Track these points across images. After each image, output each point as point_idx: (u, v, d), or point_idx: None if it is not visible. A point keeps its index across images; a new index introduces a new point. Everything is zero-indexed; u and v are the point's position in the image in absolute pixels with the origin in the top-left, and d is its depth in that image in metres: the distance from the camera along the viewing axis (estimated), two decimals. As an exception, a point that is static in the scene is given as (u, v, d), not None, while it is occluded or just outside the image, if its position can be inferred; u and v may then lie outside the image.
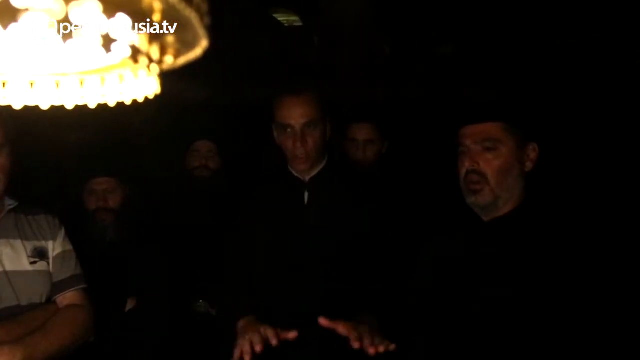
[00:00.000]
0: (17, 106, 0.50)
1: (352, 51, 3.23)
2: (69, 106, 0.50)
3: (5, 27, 0.39)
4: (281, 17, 3.61)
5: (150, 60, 0.38)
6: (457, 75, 2.53)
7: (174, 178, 2.18)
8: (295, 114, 1.56)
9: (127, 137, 2.19)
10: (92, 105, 0.49)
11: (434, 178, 2.02)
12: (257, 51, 2.94)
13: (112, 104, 0.48)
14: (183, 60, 0.41)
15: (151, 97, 0.45)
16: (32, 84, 0.52)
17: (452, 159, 1.37)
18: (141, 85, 0.45)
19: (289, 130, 1.58)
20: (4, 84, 0.52)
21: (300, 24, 3.64)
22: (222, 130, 2.26)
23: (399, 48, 3.38)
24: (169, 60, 0.40)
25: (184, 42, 0.39)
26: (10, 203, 1.38)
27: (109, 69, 0.49)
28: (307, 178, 1.65)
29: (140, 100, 0.46)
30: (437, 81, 2.79)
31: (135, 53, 0.37)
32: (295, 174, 1.66)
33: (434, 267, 1.39)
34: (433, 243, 1.44)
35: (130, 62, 0.47)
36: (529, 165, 1.30)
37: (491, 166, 1.26)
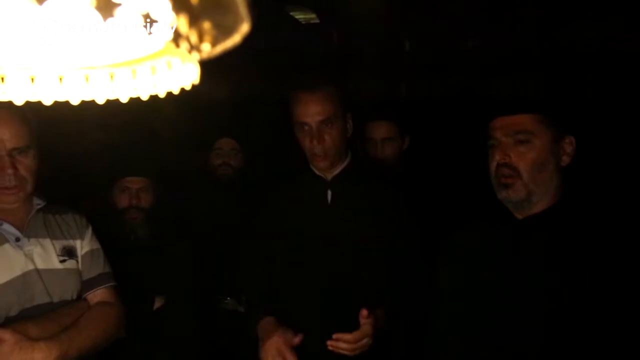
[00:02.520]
0: (47, 102, 0.48)
1: (371, 47, 3.20)
2: (100, 101, 0.47)
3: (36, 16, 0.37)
4: (298, 15, 3.60)
5: (191, 46, 0.35)
6: (484, 68, 2.47)
7: (197, 176, 2.19)
8: (311, 111, 1.53)
9: (150, 137, 2.20)
10: (124, 99, 0.47)
11: (462, 174, 1.98)
12: (276, 48, 2.92)
13: (144, 97, 0.46)
14: (221, 48, 0.39)
15: (188, 87, 0.42)
16: (61, 79, 0.50)
17: (480, 153, 1.33)
18: (175, 76, 0.42)
19: (305, 127, 1.55)
20: (32, 79, 0.50)
21: (317, 21, 3.62)
22: (244, 128, 2.25)
23: (419, 43, 3.32)
24: (206, 48, 0.38)
25: (223, 27, 0.36)
26: (38, 203, 1.39)
27: (140, 60, 0.46)
28: (330, 177, 1.63)
29: (176, 92, 0.43)
30: (461, 75, 2.73)
31: (176, 37, 0.34)
32: (317, 173, 1.64)
33: (464, 266, 1.35)
34: (463, 241, 1.40)
35: (164, 52, 0.44)
36: (565, 160, 1.24)
37: (524, 160, 1.21)
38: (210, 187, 2.16)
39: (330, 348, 1.43)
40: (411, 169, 2.13)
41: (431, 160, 2.27)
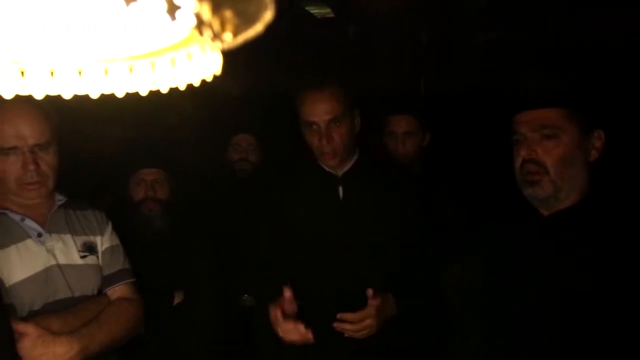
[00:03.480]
0: (67, 96, 0.48)
1: (388, 41, 3.16)
2: (119, 94, 0.46)
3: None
4: (313, 10, 3.58)
5: (213, 34, 0.34)
6: (505, 61, 2.41)
7: (215, 172, 2.19)
8: (319, 111, 1.52)
9: (168, 132, 2.21)
10: (144, 93, 0.46)
11: (483, 169, 1.94)
12: (292, 43, 2.91)
13: (164, 90, 0.45)
14: (243, 37, 0.37)
15: (209, 79, 0.41)
16: (80, 72, 0.49)
17: (503, 148, 1.30)
18: (196, 67, 0.41)
19: (314, 127, 1.54)
20: (51, 72, 0.49)
21: (332, 15, 3.60)
22: (262, 124, 2.25)
23: (437, 36, 3.27)
24: (228, 38, 0.36)
25: (245, 16, 0.34)
26: (59, 199, 1.41)
27: (160, 52, 0.45)
28: (340, 173, 1.63)
29: (197, 83, 0.42)
30: (481, 68, 2.68)
31: (198, 25, 0.33)
32: (327, 169, 1.64)
33: (487, 264, 1.32)
34: (485, 238, 1.37)
35: (184, 42, 0.43)
36: (594, 154, 1.20)
37: (551, 155, 1.17)
38: (227, 182, 2.16)
39: (337, 329, 1.45)
40: (430, 165, 2.10)
41: (451, 156, 2.23)
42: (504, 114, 1.26)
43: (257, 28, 0.37)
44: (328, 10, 3.50)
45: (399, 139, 2.06)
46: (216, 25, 0.33)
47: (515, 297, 1.21)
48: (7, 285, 1.23)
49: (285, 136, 2.43)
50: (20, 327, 1.15)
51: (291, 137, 2.35)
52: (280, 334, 1.48)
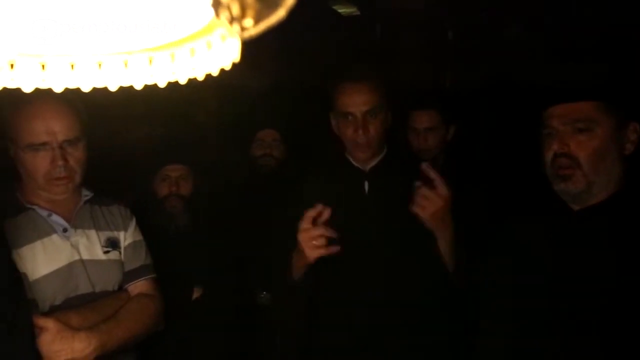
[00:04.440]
0: (86, 88, 0.47)
1: (412, 37, 3.13)
2: (138, 86, 0.46)
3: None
4: (340, 9, 3.58)
5: (232, 17, 0.32)
6: (533, 54, 2.35)
7: (239, 167, 2.19)
8: (357, 101, 1.52)
9: (193, 129, 2.23)
10: (162, 85, 0.45)
11: (511, 163, 1.89)
12: (318, 41, 2.90)
13: (183, 81, 0.44)
14: (264, 25, 0.36)
15: (228, 67, 0.39)
16: (100, 65, 0.48)
17: (530, 142, 1.26)
18: (215, 56, 0.40)
19: (349, 118, 1.54)
20: (72, 65, 0.49)
21: (358, 13, 3.58)
22: (286, 119, 2.24)
23: (463, 30, 3.21)
24: (249, 24, 0.35)
25: (267, 0, 0.33)
26: (86, 194, 1.42)
27: (180, 43, 0.44)
28: (367, 167, 1.62)
29: (215, 73, 0.41)
30: (509, 62, 2.62)
31: (216, 7, 0.32)
32: (355, 163, 1.63)
33: (514, 260, 1.28)
34: (513, 234, 1.33)
35: (203, 32, 0.42)
36: (629, 148, 1.16)
37: (584, 149, 1.14)
38: (251, 178, 2.16)
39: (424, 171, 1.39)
40: (455, 159, 2.06)
41: (477, 150, 2.19)
42: (533, 107, 1.23)
43: (280, 14, 0.35)
44: (354, 9, 3.48)
45: (421, 134, 2.04)
46: (236, 8, 0.32)
47: (545, 296, 1.18)
48: (30, 280, 1.25)
49: (309, 131, 2.43)
50: (41, 321, 1.16)
51: (315, 131, 2.35)
52: (303, 241, 1.41)
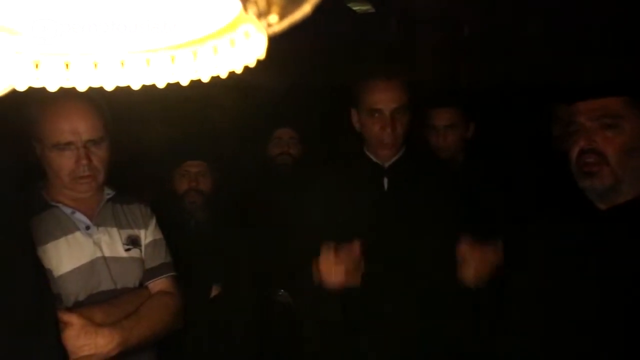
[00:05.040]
0: (109, 87, 0.47)
1: (429, 34, 3.09)
2: (161, 85, 0.45)
3: None
4: (354, 6, 3.56)
5: (259, 12, 0.31)
6: (555, 50, 2.31)
7: (256, 165, 2.20)
8: (387, 99, 1.54)
9: (211, 126, 2.24)
10: (185, 83, 0.44)
11: (534, 161, 1.86)
12: (334, 39, 2.89)
13: (205, 79, 0.43)
14: (289, 20, 0.35)
15: (252, 64, 0.39)
16: (122, 63, 0.48)
17: (554, 139, 1.23)
18: (239, 54, 0.39)
19: (376, 115, 1.55)
20: (95, 64, 0.49)
21: (373, 10, 3.55)
22: (303, 118, 2.24)
23: (481, 27, 3.16)
24: (274, 20, 0.34)
25: (292, -5, 0.32)
26: (108, 192, 1.44)
27: (202, 40, 0.44)
28: (387, 164, 1.62)
29: (239, 71, 0.40)
30: (530, 58, 2.57)
31: (245, 1, 0.31)
32: (374, 160, 1.62)
33: (538, 261, 1.26)
34: (537, 234, 1.30)
35: (227, 29, 0.41)
36: None
37: (612, 144, 1.11)
38: (269, 175, 2.16)
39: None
40: (475, 158, 2.03)
41: (497, 148, 2.15)
42: (557, 103, 1.20)
43: (305, 9, 0.34)
44: (369, 6, 3.45)
45: (441, 132, 2.01)
46: (262, 3, 0.31)
47: (571, 297, 1.15)
48: (55, 276, 1.27)
49: (326, 129, 2.42)
50: (65, 317, 1.18)
51: (332, 129, 2.34)
52: (324, 269, 1.44)
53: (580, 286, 1.15)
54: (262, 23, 0.33)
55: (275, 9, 0.33)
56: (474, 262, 1.43)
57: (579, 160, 1.15)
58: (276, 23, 0.34)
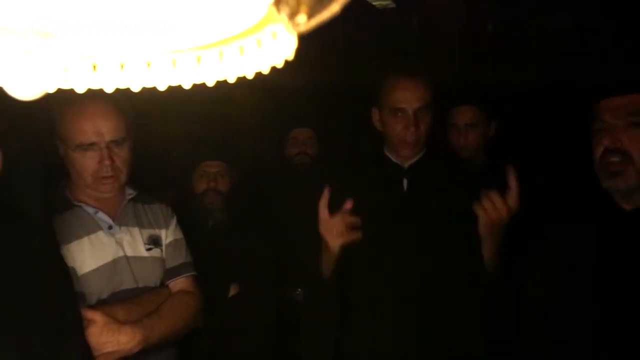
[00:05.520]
0: (136, 88, 0.47)
1: (451, 29, 3.05)
2: (187, 85, 0.45)
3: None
4: (374, 1, 3.53)
5: (290, 12, 0.31)
6: (580, 46, 2.25)
7: (274, 165, 2.21)
8: (410, 98, 1.52)
9: (229, 126, 2.25)
10: (210, 83, 0.44)
11: (556, 160, 1.82)
12: (352, 35, 2.87)
13: (232, 79, 0.43)
14: (317, 20, 0.34)
15: (280, 65, 0.39)
16: (149, 64, 0.48)
17: (577, 137, 1.20)
18: (266, 54, 0.39)
19: (399, 114, 1.52)
20: (122, 66, 0.49)
21: (394, 6, 3.52)
22: (320, 117, 2.24)
23: (504, 22, 3.11)
24: (302, 20, 0.34)
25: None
26: (129, 192, 1.46)
27: (229, 40, 0.44)
28: (406, 164, 1.60)
29: (265, 71, 0.40)
30: (554, 54, 2.52)
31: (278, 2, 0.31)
32: (394, 160, 1.60)
33: (561, 262, 1.23)
34: (560, 234, 1.28)
35: (254, 29, 0.41)
36: None
37: (638, 143, 1.09)
38: (287, 175, 2.16)
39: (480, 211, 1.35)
40: (497, 157, 2.00)
41: (519, 147, 2.12)
42: (579, 101, 1.17)
43: (333, 9, 0.34)
44: (389, 1, 3.42)
45: (462, 130, 1.99)
46: (293, 3, 0.31)
47: (594, 298, 1.13)
48: (79, 275, 1.29)
49: (345, 128, 2.41)
50: (89, 314, 1.20)
51: (349, 129, 2.33)
52: (324, 231, 1.43)
53: (603, 287, 1.13)
54: (293, 23, 0.33)
55: (304, 9, 0.33)
56: (489, 212, 1.37)
57: (602, 160, 1.13)
58: (304, 23, 0.34)
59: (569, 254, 1.22)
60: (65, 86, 0.48)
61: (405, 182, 1.60)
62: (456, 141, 1.99)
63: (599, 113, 1.14)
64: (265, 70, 0.40)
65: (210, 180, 1.86)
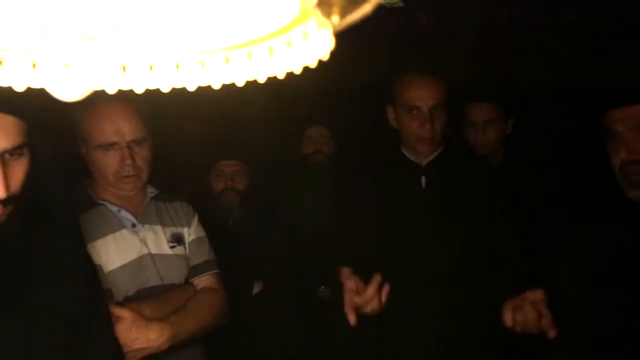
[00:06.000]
0: (165, 89, 0.48)
1: (461, 26, 3.02)
2: (216, 86, 0.46)
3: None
4: (383, 0, 3.51)
5: (330, 13, 0.31)
6: (591, 46, 2.21)
7: (290, 164, 2.21)
8: (425, 95, 1.51)
9: (245, 126, 2.26)
10: (240, 84, 0.45)
11: (577, 159, 1.79)
12: (365, 34, 2.86)
13: (261, 80, 0.43)
14: (348, 21, 0.35)
15: (313, 65, 0.39)
16: (177, 66, 0.49)
17: (597, 137, 1.18)
18: (299, 53, 0.39)
19: (414, 112, 1.52)
20: (150, 67, 0.50)
21: (402, 4, 3.49)
22: (335, 115, 2.24)
23: (515, 18, 3.07)
24: (335, 20, 0.34)
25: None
26: (151, 191, 1.48)
27: (258, 41, 0.44)
28: (424, 162, 1.59)
29: (298, 71, 0.40)
30: (565, 53, 2.48)
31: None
32: (411, 158, 1.59)
33: (585, 266, 1.21)
34: (583, 236, 1.26)
35: (284, 29, 0.42)
36: None
37: None
38: (303, 174, 2.17)
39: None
40: (514, 154, 1.98)
41: (537, 146, 2.09)
42: (596, 99, 1.15)
43: (365, 9, 0.34)
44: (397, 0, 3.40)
45: (479, 128, 1.97)
46: (327, 3, 0.31)
47: (620, 305, 1.11)
48: (105, 272, 1.31)
49: (359, 127, 2.41)
50: (117, 311, 1.21)
51: (365, 127, 2.32)
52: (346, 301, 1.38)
53: (628, 294, 1.11)
54: (329, 23, 0.33)
55: (336, 10, 0.33)
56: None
57: (622, 170, 1.11)
58: (337, 23, 0.34)
59: (596, 259, 1.20)
60: (97, 87, 0.49)
61: (423, 179, 1.59)
62: (474, 138, 1.98)
63: (611, 123, 1.11)
64: (297, 71, 0.40)
65: (228, 180, 1.87)
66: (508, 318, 1.20)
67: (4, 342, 0.87)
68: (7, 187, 0.85)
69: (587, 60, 2.31)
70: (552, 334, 1.15)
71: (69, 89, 0.41)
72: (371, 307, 1.35)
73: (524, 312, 1.19)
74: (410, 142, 1.58)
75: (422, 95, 1.51)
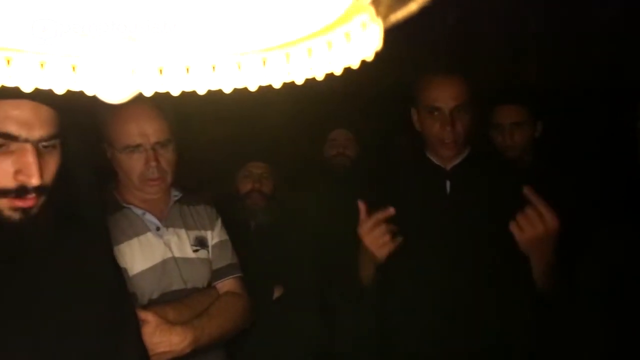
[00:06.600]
0: (201, 91, 0.48)
1: (492, 26, 2.97)
2: (252, 88, 0.45)
3: None
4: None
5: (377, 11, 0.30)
6: (630, 44, 2.15)
7: (313, 167, 2.21)
8: (445, 96, 1.47)
9: (270, 128, 2.27)
10: (277, 85, 0.44)
11: (607, 162, 1.75)
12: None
13: (300, 81, 0.43)
14: (393, 19, 0.34)
15: (355, 66, 0.38)
16: (214, 68, 0.49)
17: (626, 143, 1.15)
18: (342, 54, 0.38)
19: (435, 113, 1.49)
20: (187, 69, 0.49)
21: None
22: (358, 118, 2.23)
23: (547, 17, 3.01)
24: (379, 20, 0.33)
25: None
26: (175, 194, 1.48)
27: (297, 42, 0.43)
28: (449, 166, 1.56)
29: (338, 72, 0.39)
30: (599, 50, 2.42)
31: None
32: (436, 162, 1.56)
33: (612, 268, 1.18)
34: (612, 239, 1.22)
35: (324, 30, 0.41)
36: None
37: None
38: (325, 177, 2.16)
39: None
40: (543, 158, 1.93)
41: (567, 149, 2.04)
42: (627, 101, 1.11)
43: (411, 8, 0.33)
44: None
45: (507, 130, 1.92)
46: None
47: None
48: (130, 275, 1.32)
49: (383, 130, 2.39)
50: (142, 314, 1.22)
51: (388, 130, 2.30)
52: (370, 243, 1.40)
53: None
54: (373, 24, 0.32)
55: (381, 10, 0.32)
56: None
57: None
58: (382, 21, 0.33)
59: (627, 261, 1.17)
60: (134, 90, 0.49)
61: (448, 184, 1.56)
62: (501, 141, 1.94)
63: None
64: (338, 72, 0.40)
65: (255, 181, 1.87)
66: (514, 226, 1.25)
67: (37, 350, 0.88)
68: (41, 175, 0.86)
69: (618, 61, 2.25)
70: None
71: (115, 91, 0.41)
72: (382, 241, 1.37)
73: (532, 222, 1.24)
74: (433, 145, 1.55)
75: (442, 96, 1.48)
